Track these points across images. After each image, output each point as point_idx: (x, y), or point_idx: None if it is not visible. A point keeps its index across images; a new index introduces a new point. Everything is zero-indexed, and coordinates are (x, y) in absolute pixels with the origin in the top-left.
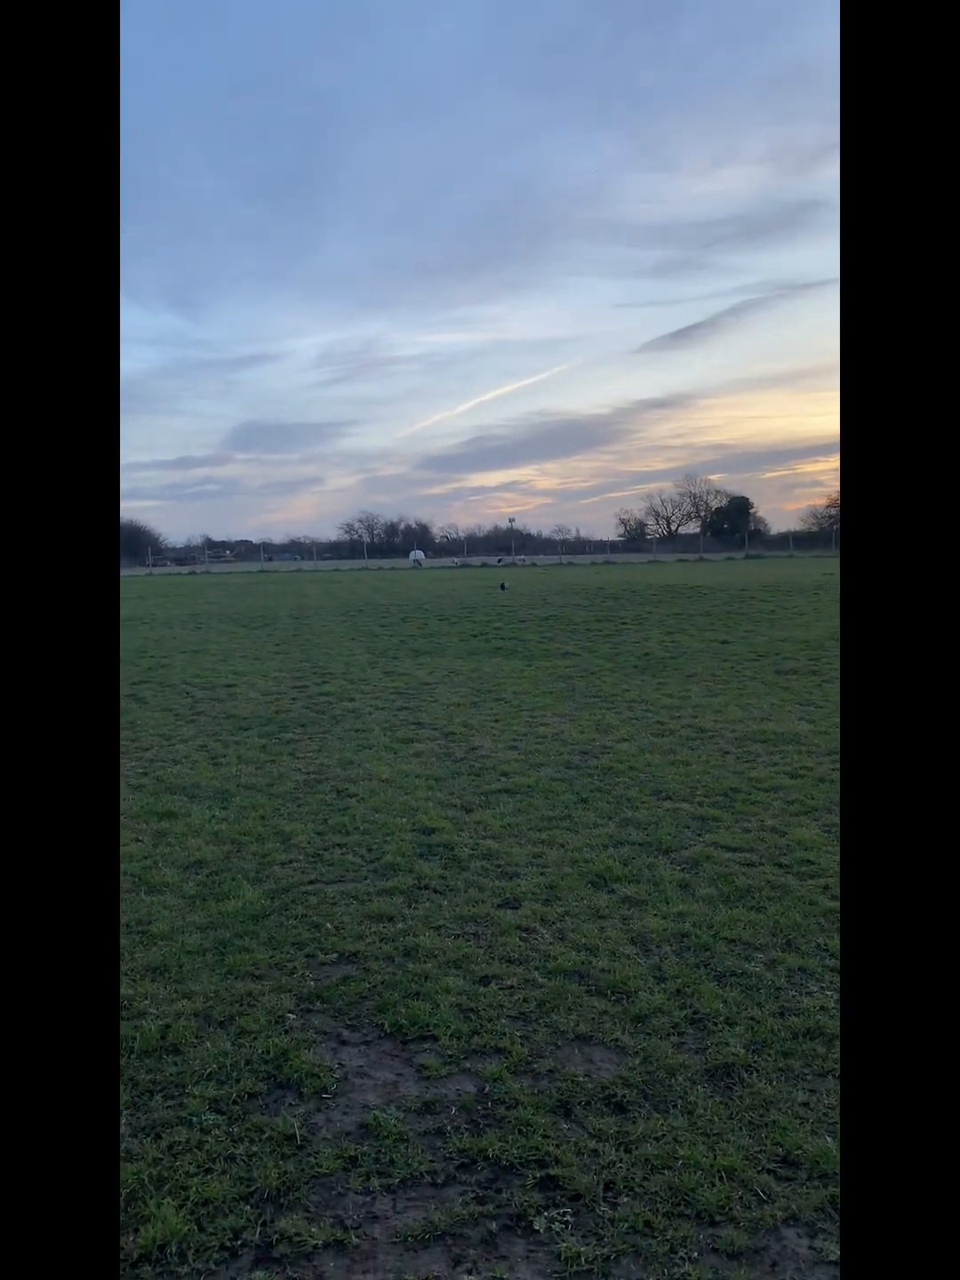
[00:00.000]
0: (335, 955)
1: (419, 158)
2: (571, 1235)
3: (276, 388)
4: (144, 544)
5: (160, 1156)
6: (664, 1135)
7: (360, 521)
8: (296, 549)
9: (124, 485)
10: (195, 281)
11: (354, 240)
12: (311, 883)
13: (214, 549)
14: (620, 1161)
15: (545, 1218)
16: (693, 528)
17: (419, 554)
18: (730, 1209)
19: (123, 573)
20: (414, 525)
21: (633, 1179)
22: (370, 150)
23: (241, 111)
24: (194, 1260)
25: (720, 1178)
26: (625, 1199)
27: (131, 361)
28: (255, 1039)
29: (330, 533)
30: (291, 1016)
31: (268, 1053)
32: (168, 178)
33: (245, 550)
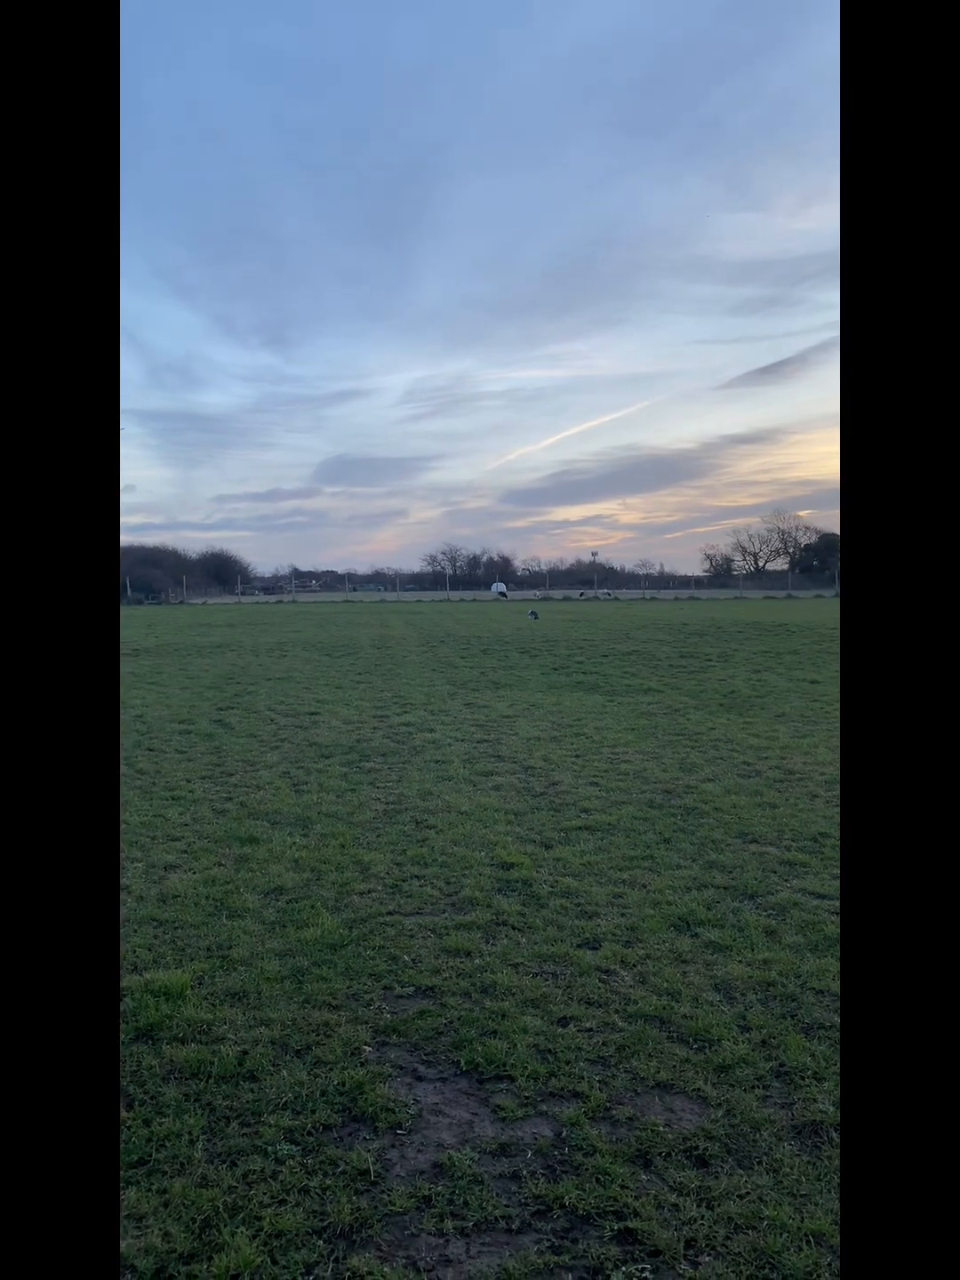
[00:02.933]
0: (412, 989)
1: (511, 200)
2: None
3: (365, 423)
4: (234, 573)
5: (235, 1184)
6: (748, 1193)
7: (443, 553)
8: (380, 580)
9: (218, 516)
10: (292, 321)
11: (446, 281)
12: (389, 914)
13: (301, 578)
14: (702, 1218)
15: (623, 1273)
16: (781, 564)
17: (501, 586)
18: (818, 1276)
19: (213, 601)
20: (496, 558)
21: (715, 1238)
22: (464, 194)
23: (342, 161)
24: None
25: (808, 1242)
26: (707, 1258)
27: (227, 397)
28: (331, 1070)
29: (414, 564)
30: (367, 1049)
31: (343, 1085)
32: (270, 225)
33: (331, 580)
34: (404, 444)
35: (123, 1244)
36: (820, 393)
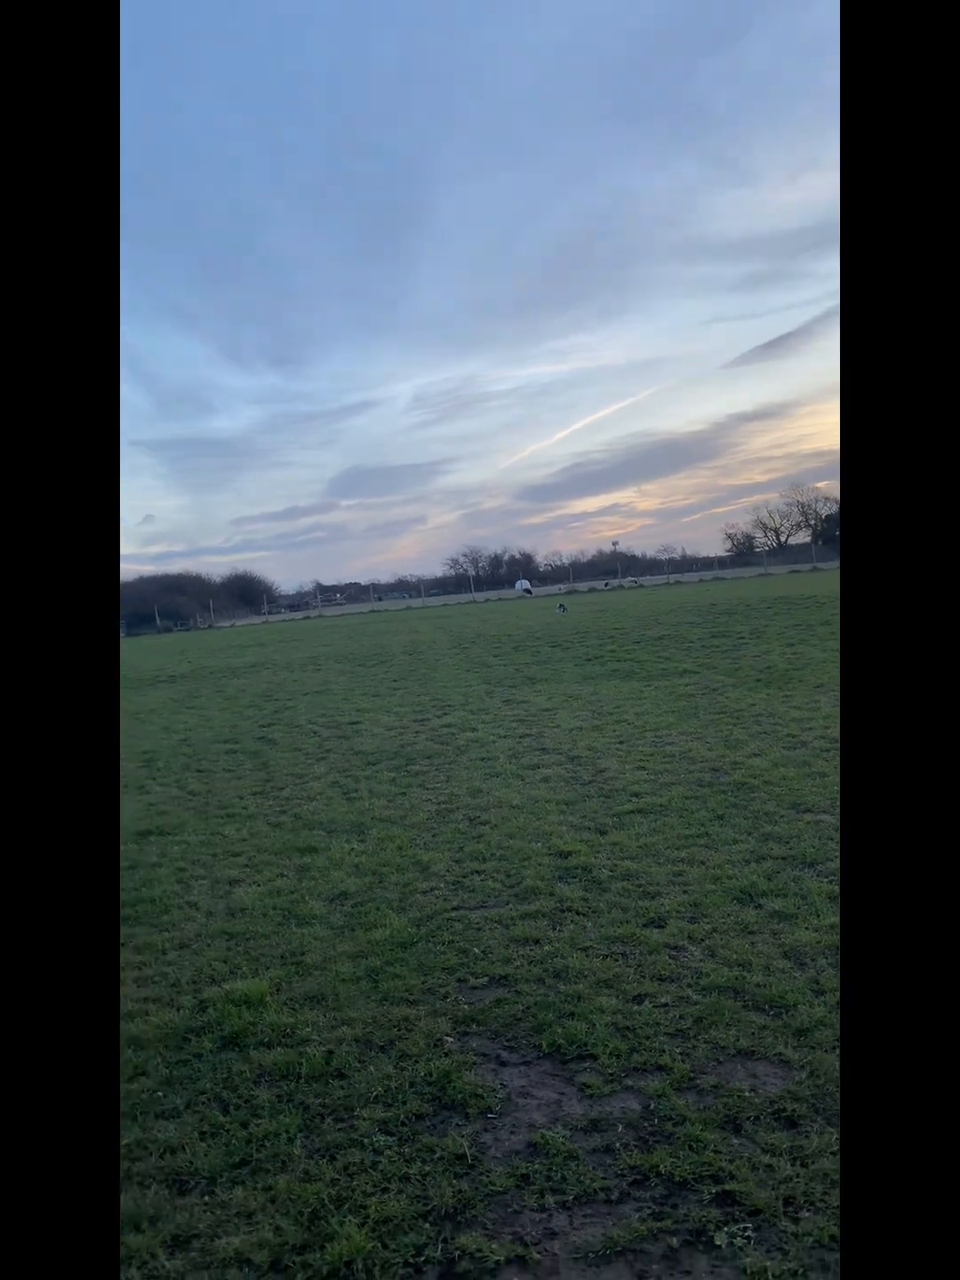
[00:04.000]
0: (486, 979)
1: (501, 198)
2: (755, 1250)
3: (376, 433)
4: (259, 593)
5: (337, 1177)
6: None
7: (464, 556)
8: (404, 587)
9: (238, 538)
10: (295, 340)
11: (444, 285)
12: (454, 909)
13: (325, 593)
14: (798, 1176)
15: (726, 1233)
16: (803, 537)
17: (525, 583)
18: None
19: (240, 622)
20: (518, 555)
21: (812, 1194)
22: (455, 197)
23: (330, 174)
24: (381, 1277)
25: None
26: (806, 1214)
27: (238, 420)
28: (416, 1062)
29: (436, 569)
30: (449, 1039)
31: (430, 1075)
32: (266, 244)
33: (355, 592)
34: (416, 450)
35: (235, 1240)
36: (829, 363)
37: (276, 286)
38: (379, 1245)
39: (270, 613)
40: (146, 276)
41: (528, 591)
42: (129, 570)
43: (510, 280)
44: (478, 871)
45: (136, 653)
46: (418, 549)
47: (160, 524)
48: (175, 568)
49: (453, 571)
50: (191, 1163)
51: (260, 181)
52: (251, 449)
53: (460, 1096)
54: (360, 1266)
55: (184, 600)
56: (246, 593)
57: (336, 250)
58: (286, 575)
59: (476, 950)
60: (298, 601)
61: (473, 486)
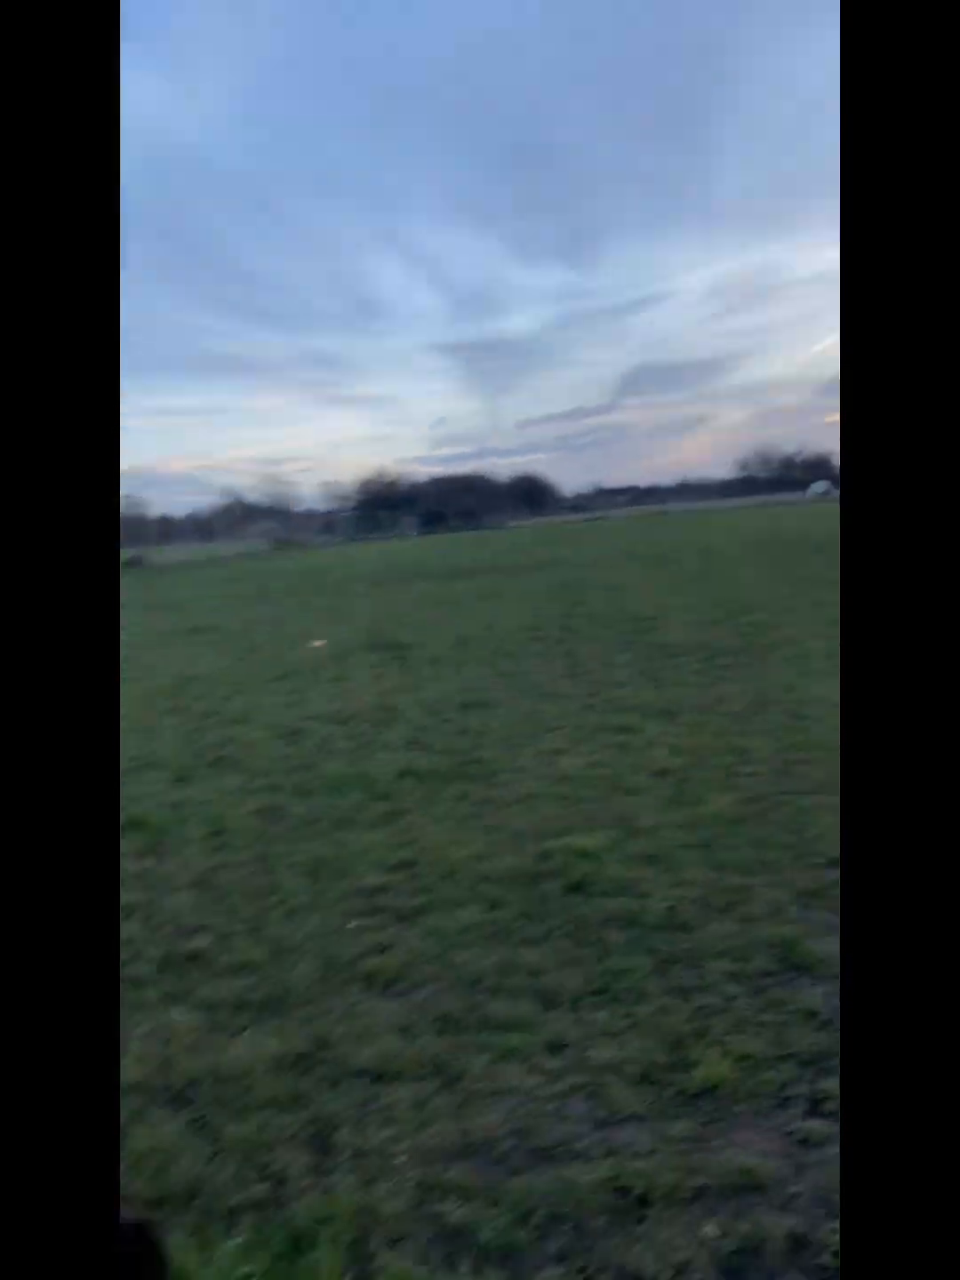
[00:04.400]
0: (823, 860)
1: (810, 66)
2: None
3: (666, 328)
4: (543, 494)
5: (693, 1015)
6: None
7: (755, 456)
8: (688, 489)
9: (521, 440)
10: (583, 234)
11: (746, 164)
12: (782, 793)
13: (607, 495)
14: None
15: None
16: None
17: (824, 484)
18: None
19: (526, 523)
20: (815, 456)
21: None
22: (759, 68)
23: (625, 54)
24: (747, 1103)
25: None
26: None
27: (525, 319)
28: (759, 925)
29: (723, 471)
30: (791, 909)
31: (774, 939)
32: (558, 132)
33: (637, 495)
34: (708, 344)
35: (605, 1053)
36: None
37: (569, 177)
38: (743, 1076)
39: (554, 513)
40: (439, 176)
41: (826, 493)
42: (422, 471)
43: (817, 154)
44: (802, 761)
45: (433, 549)
46: (705, 449)
47: (452, 426)
48: (465, 468)
49: (742, 473)
50: (556, 984)
51: (551, 68)
52: (539, 348)
53: (807, 960)
54: (727, 1091)
55: (473, 500)
56: (530, 494)
57: (630, 133)
58: (568, 477)
59: (811, 833)
60: (579, 503)
61: (767, 382)
